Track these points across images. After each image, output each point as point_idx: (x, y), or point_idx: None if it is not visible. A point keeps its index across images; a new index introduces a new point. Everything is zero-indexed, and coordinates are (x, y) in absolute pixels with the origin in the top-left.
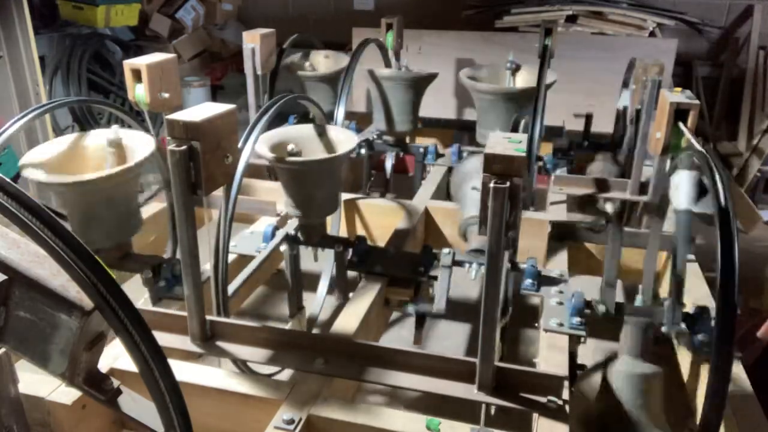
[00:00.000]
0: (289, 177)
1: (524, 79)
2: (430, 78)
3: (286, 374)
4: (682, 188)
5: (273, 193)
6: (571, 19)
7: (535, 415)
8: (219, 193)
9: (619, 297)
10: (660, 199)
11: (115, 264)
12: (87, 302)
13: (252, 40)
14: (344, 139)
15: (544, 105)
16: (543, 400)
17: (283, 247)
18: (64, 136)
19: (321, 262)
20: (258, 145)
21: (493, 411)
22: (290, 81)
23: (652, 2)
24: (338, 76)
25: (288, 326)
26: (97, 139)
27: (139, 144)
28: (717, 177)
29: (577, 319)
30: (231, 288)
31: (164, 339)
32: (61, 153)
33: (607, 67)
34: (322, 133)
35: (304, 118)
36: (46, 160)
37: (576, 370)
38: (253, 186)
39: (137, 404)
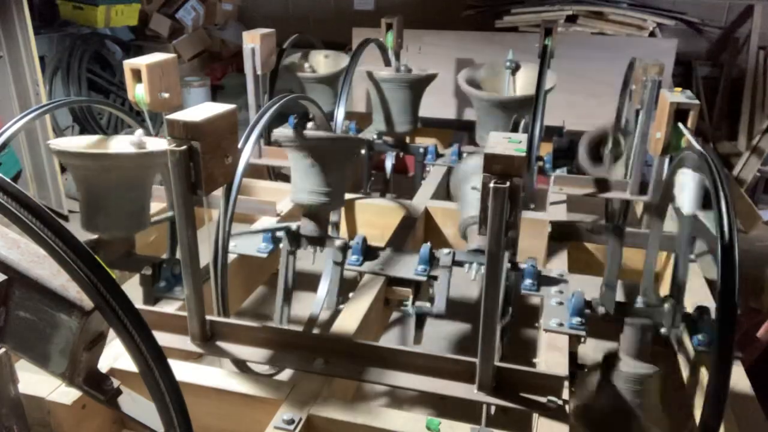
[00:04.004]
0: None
1: (524, 78)
2: (429, 79)
3: (286, 374)
4: (686, 191)
5: (273, 193)
6: (571, 19)
7: (535, 415)
8: (219, 193)
9: (620, 297)
10: (660, 199)
11: (116, 262)
12: (87, 302)
13: (252, 40)
14: None
15: (544, 106)
16: (543, 400)
17: (282, 245)
18: (88, 137)
19: (320, 262)
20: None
21: (493, 411)
22: (290, 81)
23: (652, 2)
24: (338, 77)
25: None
26: (120, 144)
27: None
28: (717, 177)
29: (577, 319)
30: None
31: (164, 339)
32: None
33: (607, 67)
34: None
35: (303, 117)
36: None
37: (576, 370)
38: (253, 186)
39: (137, 404)
